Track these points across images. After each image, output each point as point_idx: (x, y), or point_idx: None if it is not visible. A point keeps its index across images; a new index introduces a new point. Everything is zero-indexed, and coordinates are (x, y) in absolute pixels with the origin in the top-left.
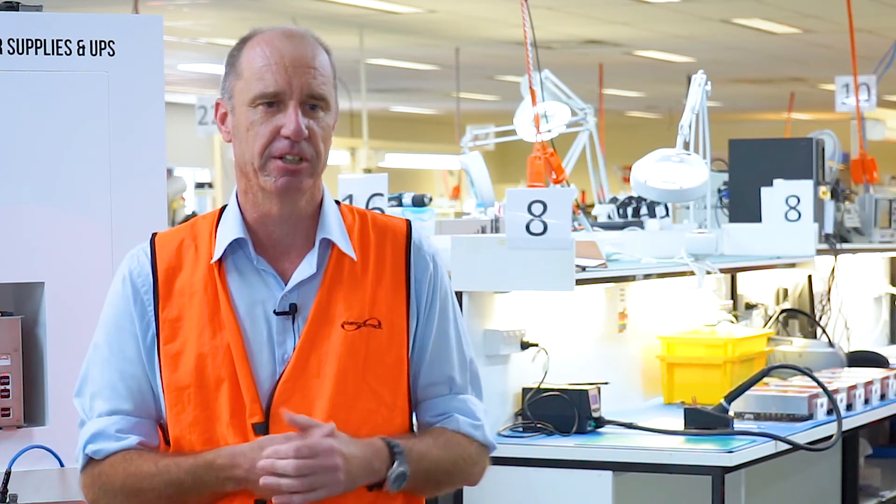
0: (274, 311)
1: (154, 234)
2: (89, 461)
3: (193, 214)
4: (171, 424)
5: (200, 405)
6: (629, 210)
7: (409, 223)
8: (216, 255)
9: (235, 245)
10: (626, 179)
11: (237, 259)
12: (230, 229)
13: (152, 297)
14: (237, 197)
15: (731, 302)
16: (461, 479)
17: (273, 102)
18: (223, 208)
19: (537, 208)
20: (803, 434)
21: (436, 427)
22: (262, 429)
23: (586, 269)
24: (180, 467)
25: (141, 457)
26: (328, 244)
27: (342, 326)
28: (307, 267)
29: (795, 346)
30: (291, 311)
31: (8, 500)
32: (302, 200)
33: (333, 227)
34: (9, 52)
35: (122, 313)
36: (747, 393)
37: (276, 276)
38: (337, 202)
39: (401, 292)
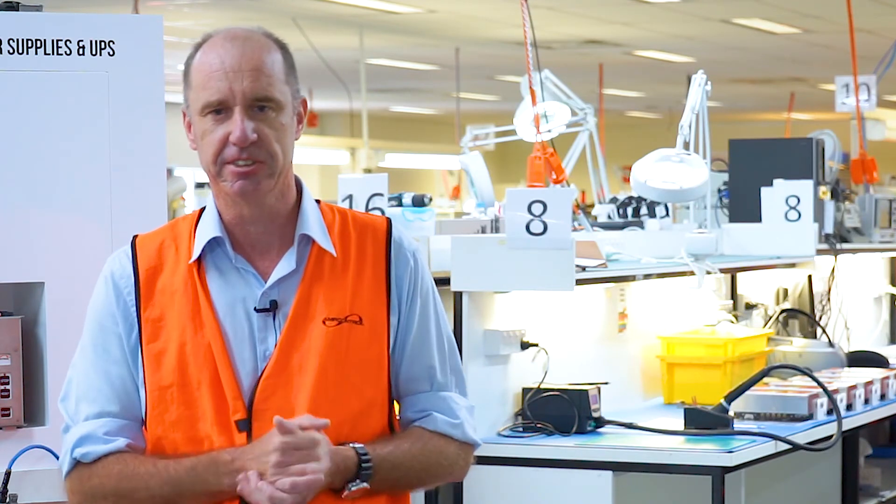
0: (255, 308)
1: (135, 237)
2: (76, 465)
3: None
4: (153, 424)
5: (184, 403)
6: (629, 210)
7: (389, 220)
8: (194, 255)
9: (214, 244)
10: (626, 179)
11: (216, 258)
12: (207, 229)
13: (134, 298)
14: (214, 199)
15: (731, 302)
16: (440, 479)
17: (220, 110)
18: (203, 209)
19: (537, 208)
20: (803, 434)
21: (415, 428)
22: (245, 425)
23: (586, 269)
24: (180, 464)
25: (135, 459)
26: (308, 241)
27: (323, 322)
28: (287, 264)
29: (795, 346)
30: (272, 308)
31: (8, 500)
32: (270, 199)
33: (313, 224)
34: (9, 52)
35: (106, 315)
36: (747, 393)
37: (256, 274)
38: (317, 201)
39: (381, 288)
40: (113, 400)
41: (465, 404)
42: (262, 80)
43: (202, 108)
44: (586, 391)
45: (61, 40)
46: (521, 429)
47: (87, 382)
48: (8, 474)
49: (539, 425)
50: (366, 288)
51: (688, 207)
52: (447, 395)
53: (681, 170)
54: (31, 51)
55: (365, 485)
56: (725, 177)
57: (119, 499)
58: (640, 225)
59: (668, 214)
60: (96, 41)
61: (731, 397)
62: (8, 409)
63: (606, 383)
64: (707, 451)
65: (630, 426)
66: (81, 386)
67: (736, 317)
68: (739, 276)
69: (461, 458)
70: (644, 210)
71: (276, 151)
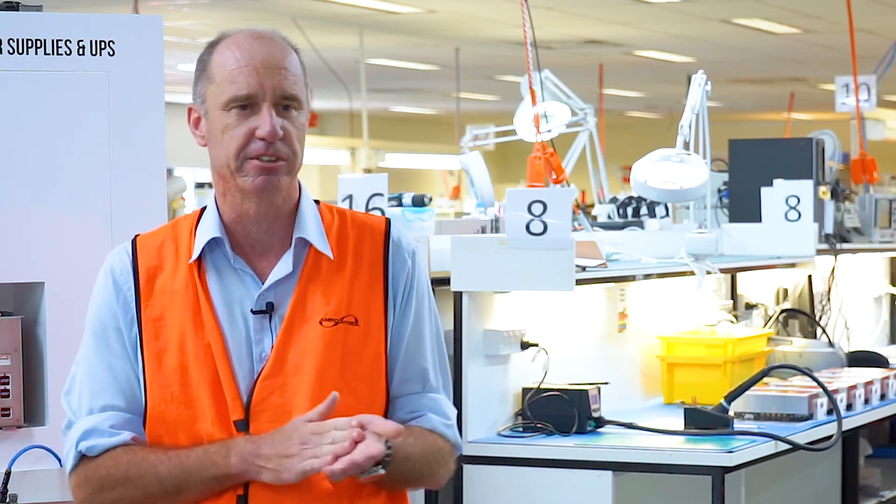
0: (251, 310)
1: (136, 237)
2: (81, 459)
3: None
4: (155, 422)
5: (184, 403)
6: (629, 210)
7: (388, 221)
8: (194, 255)
9: (213, 244)
10: (626, 179)
11: (215, 258)
12: (207, 229)
13: (134, 296)
14: (216, 199)
15: (731, 302)
16: (435, 477)
17: (246, 105)
18: (203, 209)
19: (537, 208)
20: (803, 434)
21: (415, 427)
22: (244, 426)
23: (586, 269)
24: (191, 450)
25: (143, 449)
26: (305, 243)
27: (320, 323)
28: (284, 266)
29: (795, 346)
30: (268, 310)
31: (8, 500)
32: (279, 198)
33: (310, 227)
34: (9, 52)
35: (107, 310)
36: (747, 393)
37: (254, 276)
38: (316, 202)
39: (378, 289)
40: (118, 394)
41: (452, 409)
42: (290, 79)
43: (227, 101)
44: (586, 391)
45: (61, 40)
46: (521, 429)
47: (91, 377)
48: (8, 474)
49: (539, 425)
50: (363, 289)
51: (688, 207)
52: (438, 398)
53: (681, 170)
54: (31, 51)
55: (383, 472)
56: (725, 177)
57: (127, 486)
58: (640, 225)
59: (668, 214)
60: (96, 41)
61: (731, 397)
62: (8, 409)
63: (606, 383)
64: (707, 451)
65: (630, 426)
66: (85, 380)
67: (736, 317)
68: (739, 276)
69: (450, 461)
70: (644, 210)
71: (297, 150)
